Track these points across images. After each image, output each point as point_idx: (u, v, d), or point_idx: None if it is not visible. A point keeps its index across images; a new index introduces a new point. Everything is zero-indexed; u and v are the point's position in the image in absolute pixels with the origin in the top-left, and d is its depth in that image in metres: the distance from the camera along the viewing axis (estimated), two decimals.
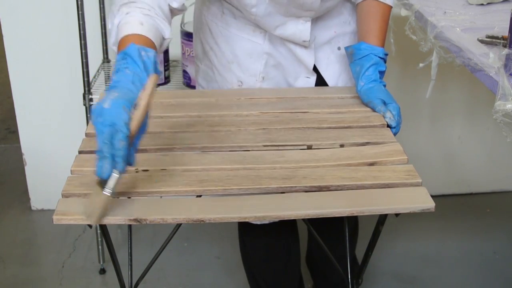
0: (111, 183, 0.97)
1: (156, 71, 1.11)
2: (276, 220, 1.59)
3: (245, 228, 1.69)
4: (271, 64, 1.49)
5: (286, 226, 1.69)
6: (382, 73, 1.38)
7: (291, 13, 1.40)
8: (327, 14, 1.49)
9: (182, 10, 1.30)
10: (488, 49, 1.36)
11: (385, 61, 1.40)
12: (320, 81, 1.54)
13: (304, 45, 1.47)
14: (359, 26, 1.46)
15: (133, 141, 1.00)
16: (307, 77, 1.52)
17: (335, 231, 1.67)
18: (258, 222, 1.60)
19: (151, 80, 1.03)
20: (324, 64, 1.53)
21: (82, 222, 1.02)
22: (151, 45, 1.15)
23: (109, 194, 0.98)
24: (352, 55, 1.41)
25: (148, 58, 1.10)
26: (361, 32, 1.44)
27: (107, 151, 0.95)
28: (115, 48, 1.21)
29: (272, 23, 1.41)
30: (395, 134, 1.30)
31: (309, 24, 1.43)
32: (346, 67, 1.53)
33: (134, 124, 0.98)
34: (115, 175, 0.97)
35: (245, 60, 1.49)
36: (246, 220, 1.07)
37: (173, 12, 1.29)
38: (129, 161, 0.99)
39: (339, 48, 1.53)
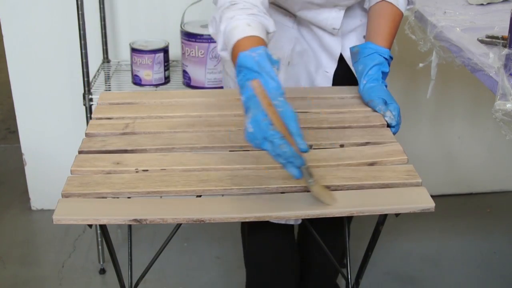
0: (307, 176, 1.04)
1: (273, 62, 1.10)
2: (283, 221, 1.59)
3: (252, 230, 1.69)
4: (297, 50, 1.50)
5: (289, 227, 1.69)
6: (385, 74, 1.38)
7: (331, 2, 1.41)
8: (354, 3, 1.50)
9: None
10: (488, 49, 1.36)
11: (389, 64, 1.39)
12: (346, 69, 1.53)
13: (333, 32, 1.48)
14: (368, 27, 1.46)
15: (291, 133, 1.02)
16: (326, 72, 1.52)
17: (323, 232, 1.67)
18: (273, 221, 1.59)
19: (255, 86, 1.04)
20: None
21: (82, 222, 1.02)
22: (262, 42, 1.15)
23: (314, 183, 1.05)
24: (357, 54, 1.41)
25: (259, 56, 1.08)
26: (369, 32, 1.44)
27: (282, 160, 1.01)
28: (224, 54, 1.21)
29: (308, 7, 1.42)
30: (394, 134, 1.30)
31: (343, 12, 1.45)
32: None
33: (278, 124, 1.01)
34: (304, 169, 1.04)
35: (276, 43, 1.47)
36: (246, 220, 1.07)
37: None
38: (302, 150, 1.01)
39: (364, 37, 1.53)
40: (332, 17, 1.44)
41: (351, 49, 1.45)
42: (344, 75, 1.54)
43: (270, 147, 1.00)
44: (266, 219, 1.05)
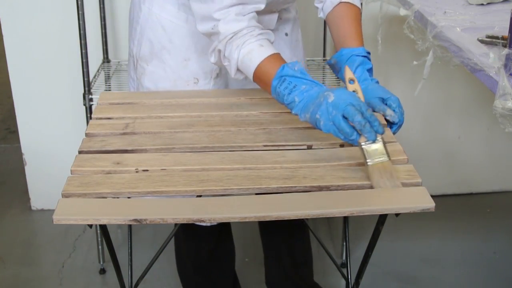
0: (382, 150, 1.10)
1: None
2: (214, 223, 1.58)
3: (185, 234, 1.69)
4: None
5: (225, 229, 1.72)
6: (370, 70, 1.37)
7: (279, 8, 1.41)
8: None
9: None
10: (488, 49, 1.36)
11: (369, 59, 1.38)
12: None
13: None
14: (334, 33, 1.44)
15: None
16: None
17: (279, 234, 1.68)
18: (204, 224, 1.59)
19: (348, 69, 1.22)
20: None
21: (82, 222, 1.02)
22: (280, 57, 1.25)
23: (388, 159, 1.10)
24: (337, 64, 1.39)
25: (300, 68, 1.19)
26: (338, 38, 1.42)
27: (362, 121, 1.09)
28: (239, 76, 1.31)
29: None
30: (400, 125, 1.29)
31: (277, 14, 1.46)
32: (296, 52, 1.58)
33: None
34: (379, 142, 1.11)
35: (201, 56, 1.48)
36: (246, 220, 1.07)
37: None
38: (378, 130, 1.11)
39: (286, 34, 1.55)
40: (268, 18, 1.45)
41: (328, 62, 1.43)
42: None
43: (353, 109, 1.09)
44: (267, 219, 1.05)
